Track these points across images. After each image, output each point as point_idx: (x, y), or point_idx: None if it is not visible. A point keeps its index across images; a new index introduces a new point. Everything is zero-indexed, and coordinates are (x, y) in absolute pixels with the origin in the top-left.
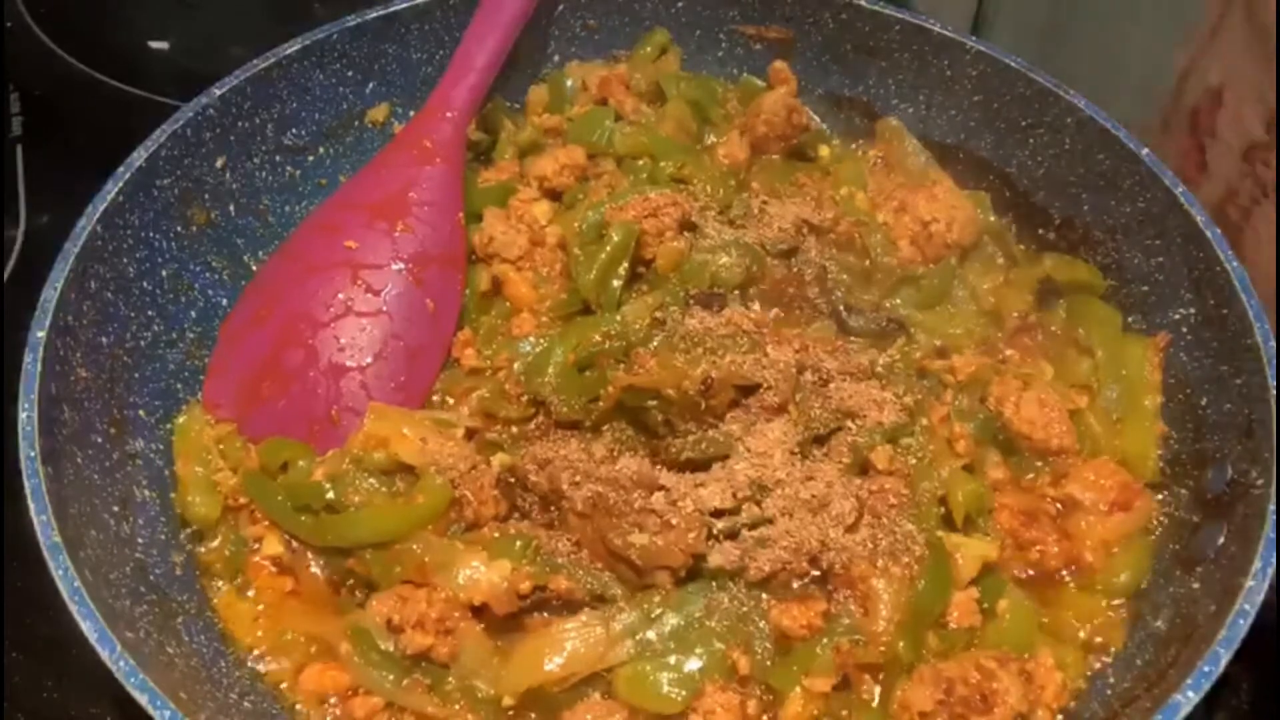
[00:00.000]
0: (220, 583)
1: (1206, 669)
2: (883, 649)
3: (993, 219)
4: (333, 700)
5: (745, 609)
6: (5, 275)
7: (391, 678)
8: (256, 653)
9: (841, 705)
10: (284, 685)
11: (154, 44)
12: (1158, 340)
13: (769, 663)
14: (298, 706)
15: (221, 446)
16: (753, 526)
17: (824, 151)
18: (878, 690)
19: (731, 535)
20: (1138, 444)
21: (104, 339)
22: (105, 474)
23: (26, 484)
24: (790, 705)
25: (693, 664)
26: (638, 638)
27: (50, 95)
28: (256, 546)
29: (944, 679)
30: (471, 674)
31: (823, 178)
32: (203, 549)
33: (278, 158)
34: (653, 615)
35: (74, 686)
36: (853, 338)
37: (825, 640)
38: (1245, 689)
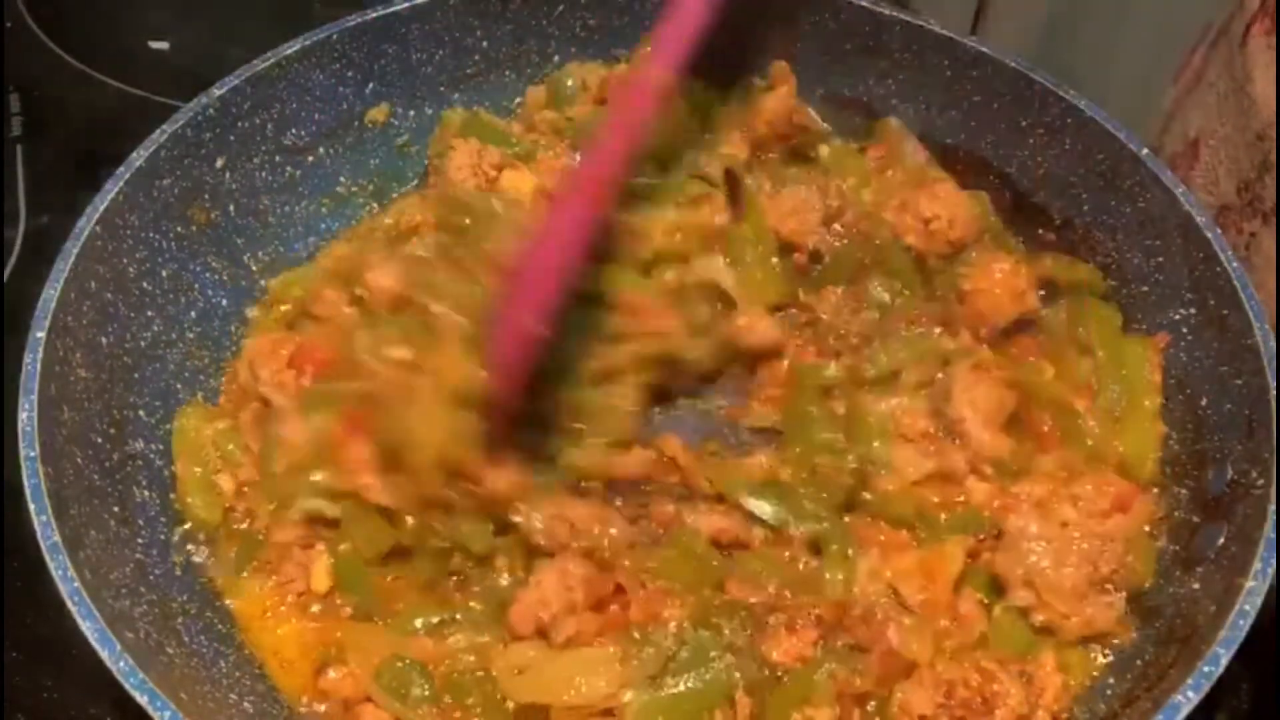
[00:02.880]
0: (231, 599)
1: (1207, 669)
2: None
3: (993, 218)
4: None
5: (741, 642)
6: (5, 275)
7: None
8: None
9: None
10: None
11: (154, 44)
12: (1157, 340)
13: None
14: (298, 706)
15: (222, 452)
16: None
17: (824, 151)
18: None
19: None
20: (1137, 445)
21: (104, 339)
22: (105, 474)
23: (26, 484)
24: None
25: (700, 705)
26: (652, 677)
27: (50, 95)
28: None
29: (943, 682)
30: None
31: (825, 174)
32: (210, 559)
33: (278, 158)
34: (669, 655)
35: (74, 687)
36: None
37: (824, 668)
38: (1245, 689)
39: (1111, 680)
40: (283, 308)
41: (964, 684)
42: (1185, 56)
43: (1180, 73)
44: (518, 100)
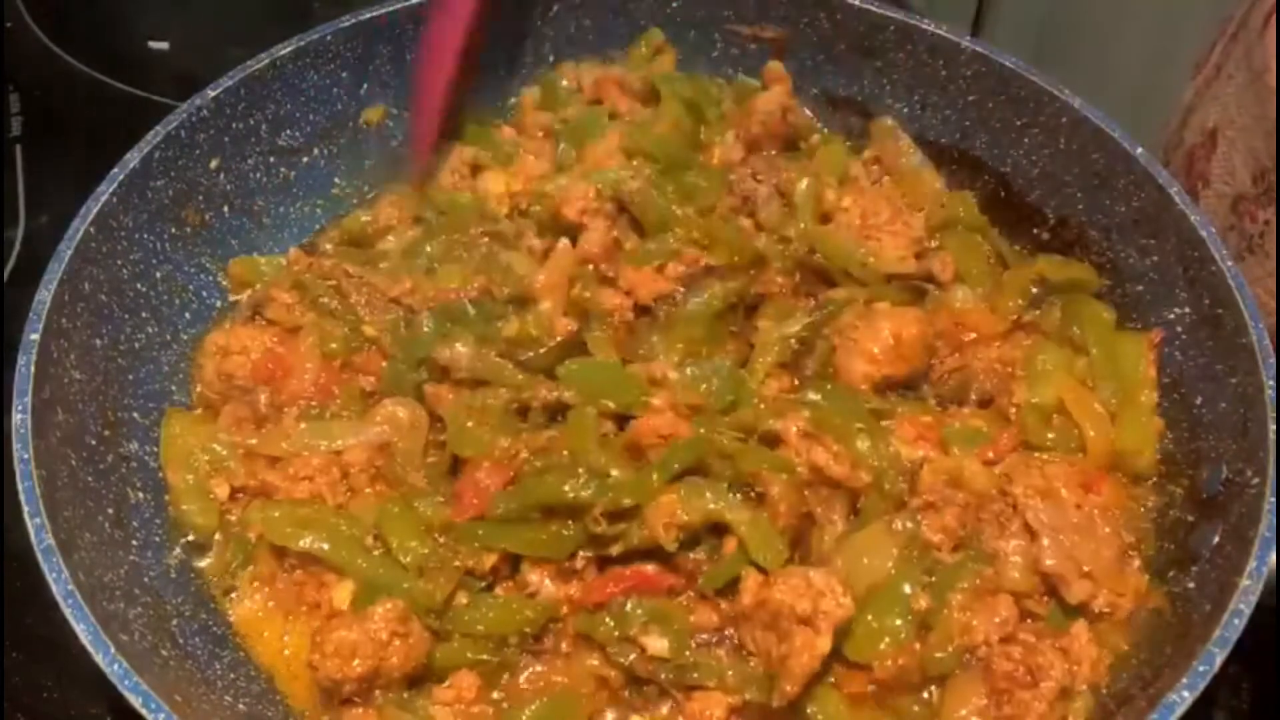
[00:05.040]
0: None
1: (1202, 669)
2: None
3: (980, 218)
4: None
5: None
6: (5, 276)
7: None
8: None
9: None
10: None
11: (154, 44)
12: (1152, 336)
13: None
14: (292, 708)
15: (212, 456)
16: None
17: (814, 139)
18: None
19: None
20: (1134, 439)
21: (98, 341)
22: (99, 476)
23: (20, 487)
24: None
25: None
26: None
27: (50, 95)
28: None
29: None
30: None
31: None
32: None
33: (272, 159)
34: None
35: (73, 687)
36: None
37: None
38: (1245, 689)
39: (1107, 679)
40: (247, 293)
41: (1006, 657)
42: (1204, 52)
43: (1199, 68)
44: (511, 100)
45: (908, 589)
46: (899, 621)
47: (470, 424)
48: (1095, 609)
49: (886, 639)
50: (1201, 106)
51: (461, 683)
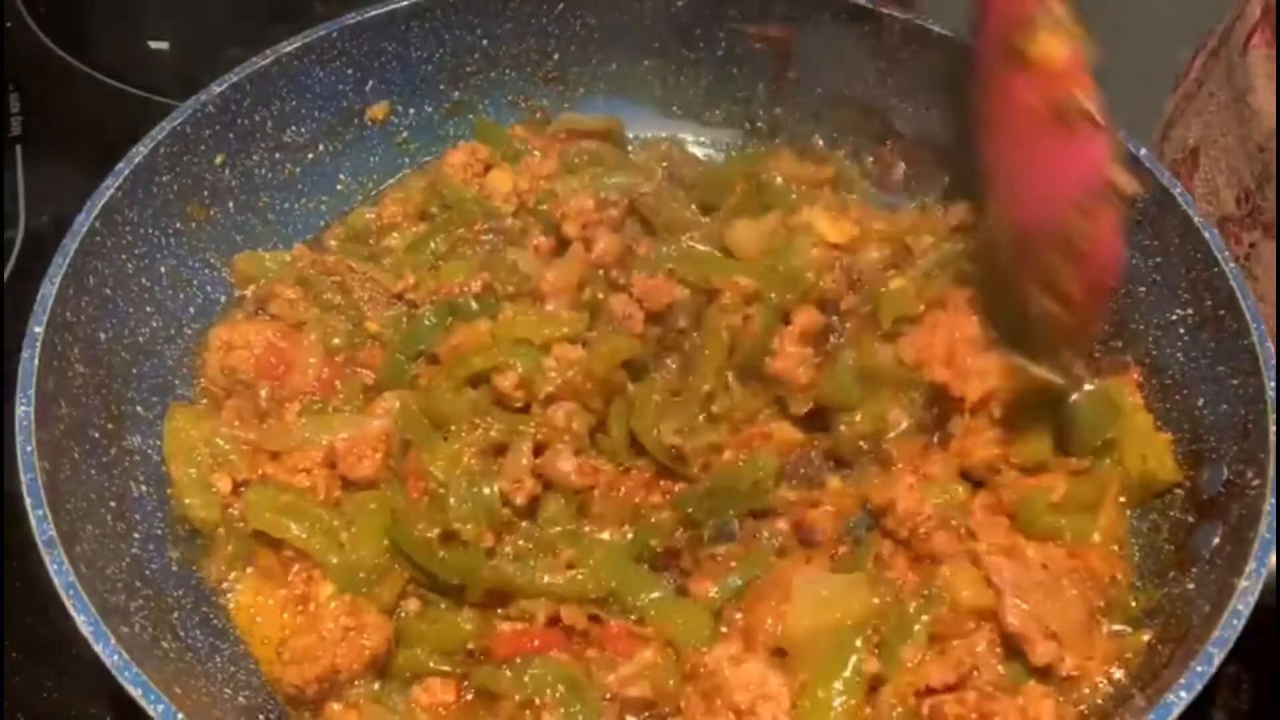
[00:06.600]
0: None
1: (1200, 669)
2: None
3: None
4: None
5: None
6: (5, 275)
7: None
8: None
9: None
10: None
11: (154, 44)
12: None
13: None
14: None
15: (214, 450)
16: None
17: None
18: None
19: None
20: (1149, 458)
21: (102, 335)
22: (102, 469)
23: (23, 478)
24: None
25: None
26: None
27: (50, 95)
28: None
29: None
30: None
31: None
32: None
33: (277, 155)
34: None
35: (73, 686)
36: None
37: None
38: (1245, 689)
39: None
40: (250, 289)
41: (960, 703)
42: (1184, 65)
43: (1179, 81)
44: (515, 98)
45: (855, 660)
46: (846, 700)
47: None
48: (1062, 672)
49: (833, 715)
50: (1181, 122)
51: (435, 687)
